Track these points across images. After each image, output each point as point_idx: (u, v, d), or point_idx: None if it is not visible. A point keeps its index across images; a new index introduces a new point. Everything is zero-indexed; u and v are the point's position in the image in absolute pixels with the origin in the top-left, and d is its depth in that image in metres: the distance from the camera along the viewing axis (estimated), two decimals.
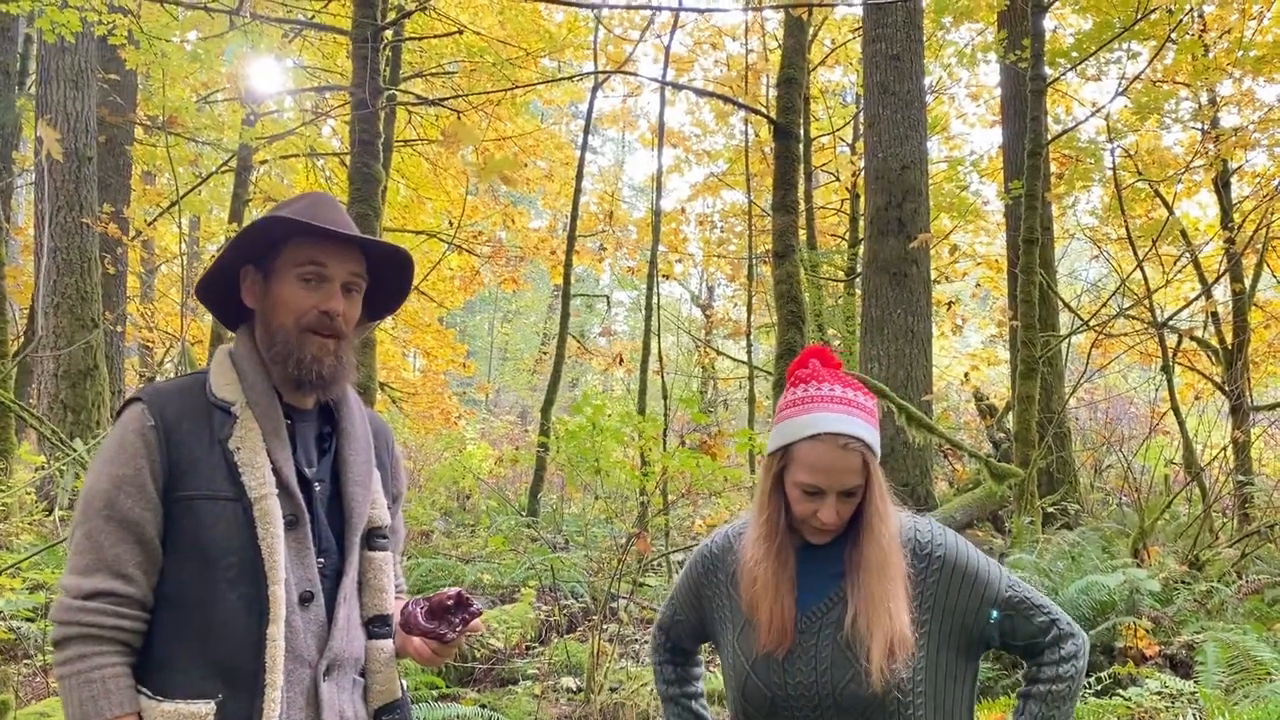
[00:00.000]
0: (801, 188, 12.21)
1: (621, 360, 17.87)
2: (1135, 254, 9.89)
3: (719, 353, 17.32)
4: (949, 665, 1.97)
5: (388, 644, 1.96)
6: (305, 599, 1.82)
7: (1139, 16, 9.25)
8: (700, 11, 14.95)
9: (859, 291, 13.14)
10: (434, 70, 13.20)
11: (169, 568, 1.77)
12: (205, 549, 1.75)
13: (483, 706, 4.89)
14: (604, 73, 11.92)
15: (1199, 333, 11.54)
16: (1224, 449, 9.45)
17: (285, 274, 1.87)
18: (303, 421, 1.92)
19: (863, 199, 13.43)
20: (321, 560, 1.86)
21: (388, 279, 2.04)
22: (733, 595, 2.06)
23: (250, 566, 1.75)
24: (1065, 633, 2.01)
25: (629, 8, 10.39)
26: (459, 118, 9.77)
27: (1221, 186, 11.94)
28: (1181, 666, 5.12)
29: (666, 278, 16.68)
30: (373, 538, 1.96)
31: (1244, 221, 11.30)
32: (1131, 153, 12.68)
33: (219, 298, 1.97)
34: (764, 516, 1.99)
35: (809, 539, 1.99)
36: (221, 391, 1.85)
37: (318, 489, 1.90)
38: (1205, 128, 12.47)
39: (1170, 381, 9.14)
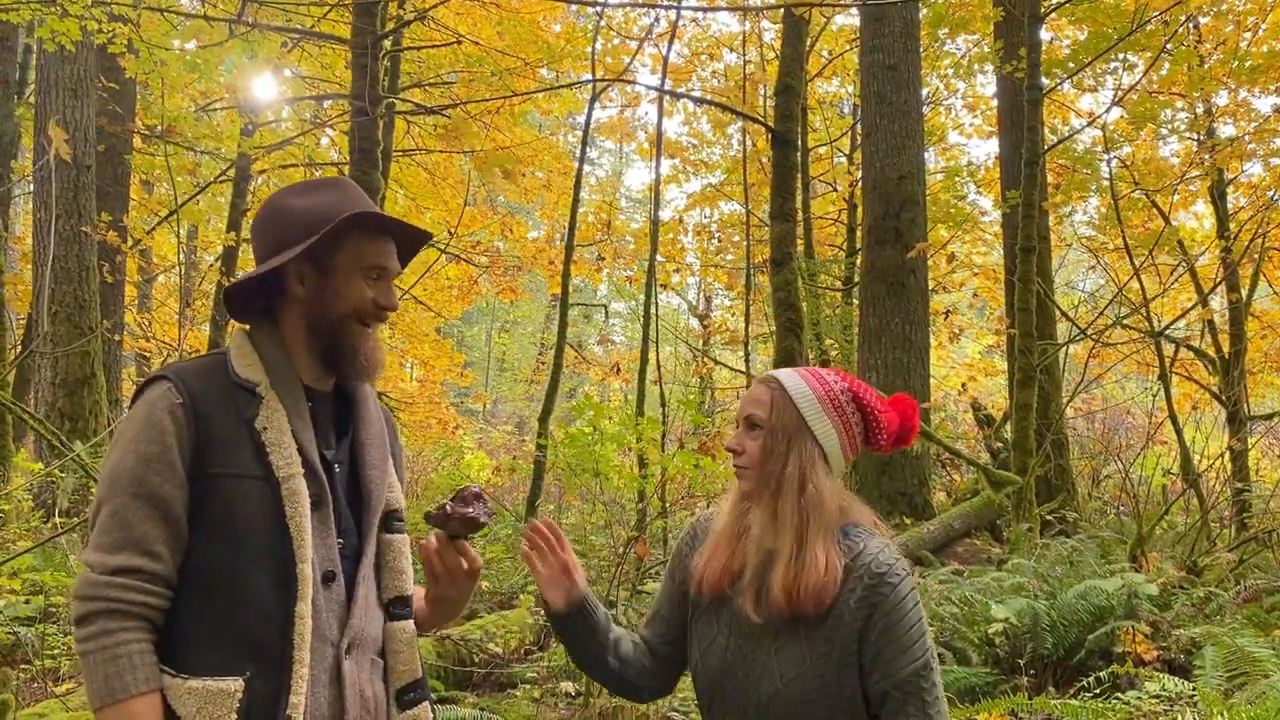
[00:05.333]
0: (799, 197, 12.24)
1: (619, 370, 17.89)
2: (1132, 263, 9.91)
3: (717, 362, 17.32)
4: (842, 689, 1.87)
5: (409, 624, 1.97)
6: (328, 578, 1.83)
7: (1135, 27, 9.30)
8: (699, 10, 15.00)
9: (857, 301, 13.16)
10: (432, 80, 13.22)
11: (195, 545, 1.77)
12: (233, 527, 1.76)
13: (482, 710, 4.89)
14: (602, 80, 11.94)
15: (1196, 342, 11.58)
16: (1221, 457, 9.46)
17: (348, 270, 1.90)
18: (322, 405, 1.94)
19: (860, 209, 13.47)
20: (341, 541, 1.88)
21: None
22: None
23: (277, 545, 1.76)
24: None
25: (629, 5, 10.41)
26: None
27: (1218, 197, 12.00)
28: (1180, 670, 5.12)
29: (664, 287, 16.67)
30: (390, 520, 1.98)
31: (1240, 231, 11.34)
32: (1128, 163, 12.72)
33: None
34: None
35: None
36: (244, 372, 1.86)
37: (338, 471, 1.92)
38: (1201, 138, 12.53)
39: (1167, 390, 9.15)
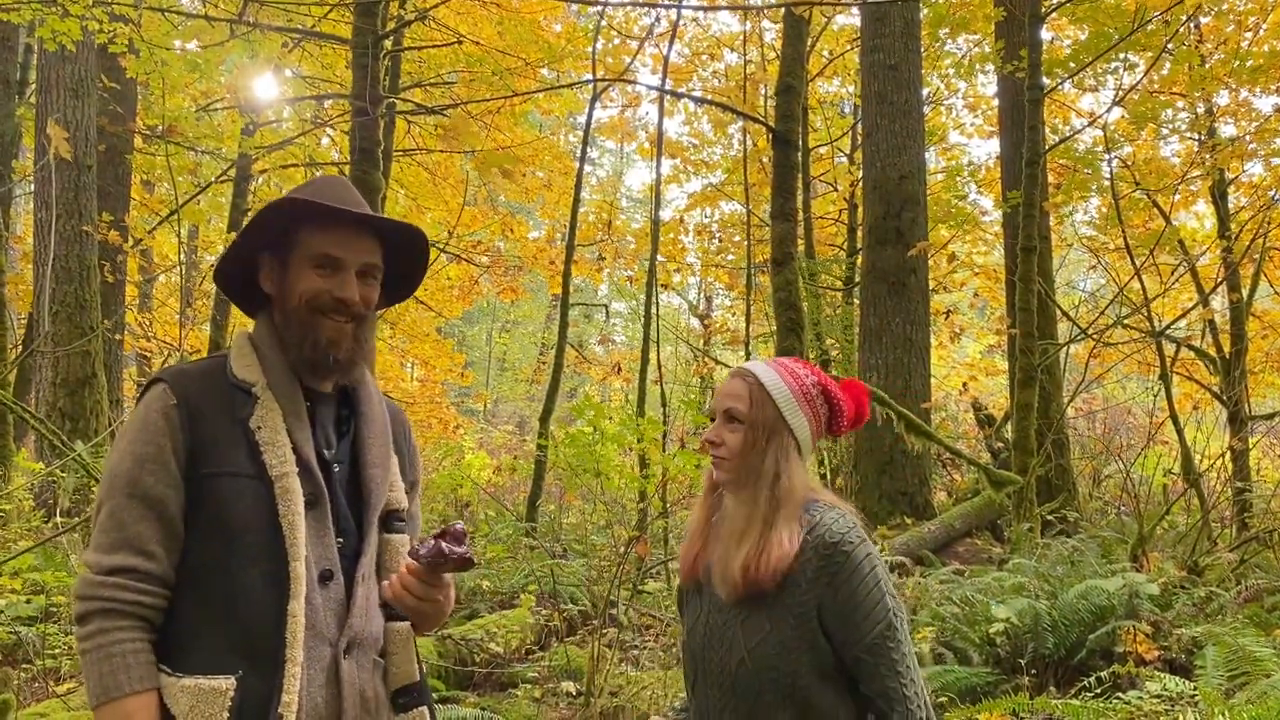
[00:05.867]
0: (800, 197, 12.24)
1: (619, 369, 17.89)
2: (1133, 263, 9.91)
3: (717, 362, 17.32)
4: (800, 655, 1.93)
5: (405, 626, 1.96)
6: (325, 577, 1.83)
7: (1135, 27, 9.29)
8: (700, 10, 14.99)
9: (857, 301, 13.16)
10: (433, 80, 13.22)
11: (191, 545, 1.79)
12: (227, 526, 1.77)
13: (483, 710, 4.89)
14: (603, 80, 11.95)
15: (1197, 342, 11.56)
16: (1221, 457, 9.45)
17: (300, 264, 1.90)
18: (322, 404, 1.95)
19: (861, 209, 13.47)
20: (340, 540, 1.88)
21: (403, 261, 2.06)
22: None
23: (271, 544, 1.77)
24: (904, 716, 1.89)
25: (629, 5, 10.40)
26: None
27: (1219, 196, 11.98)
28: (1181, 670, 5.12)
29: (665, 287, 16.68)
30: (391, 520, 1.98)
31: (1241, 231, 11.33)
32: (1129, 163, 12.71)
33: (239, 285, 2.01)
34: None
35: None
36: (242, 373, 1.88)
37: (337, 470, 1.92)
38: (1202, 138, 12.52)
39: (1168, 390, 9.13)
